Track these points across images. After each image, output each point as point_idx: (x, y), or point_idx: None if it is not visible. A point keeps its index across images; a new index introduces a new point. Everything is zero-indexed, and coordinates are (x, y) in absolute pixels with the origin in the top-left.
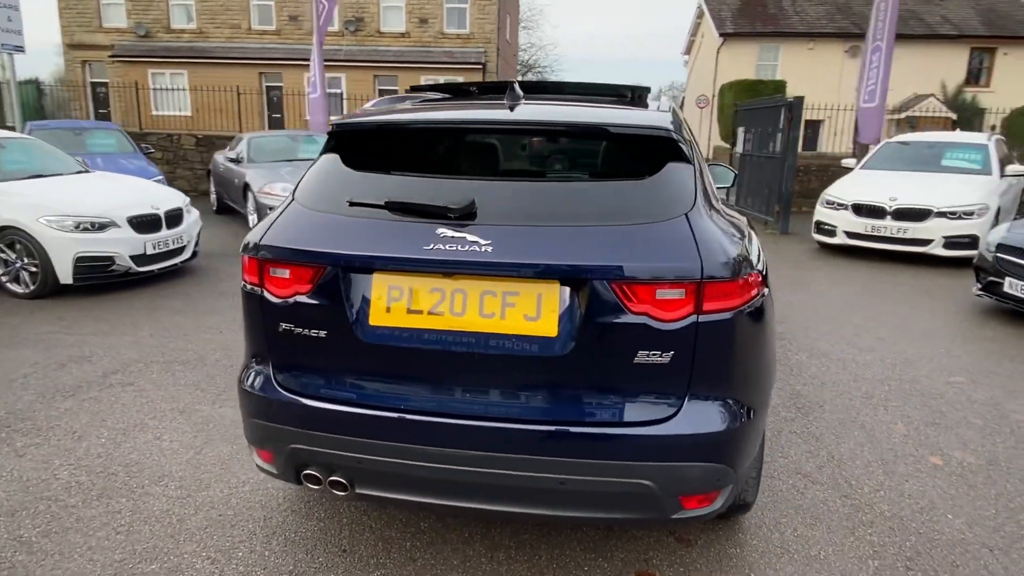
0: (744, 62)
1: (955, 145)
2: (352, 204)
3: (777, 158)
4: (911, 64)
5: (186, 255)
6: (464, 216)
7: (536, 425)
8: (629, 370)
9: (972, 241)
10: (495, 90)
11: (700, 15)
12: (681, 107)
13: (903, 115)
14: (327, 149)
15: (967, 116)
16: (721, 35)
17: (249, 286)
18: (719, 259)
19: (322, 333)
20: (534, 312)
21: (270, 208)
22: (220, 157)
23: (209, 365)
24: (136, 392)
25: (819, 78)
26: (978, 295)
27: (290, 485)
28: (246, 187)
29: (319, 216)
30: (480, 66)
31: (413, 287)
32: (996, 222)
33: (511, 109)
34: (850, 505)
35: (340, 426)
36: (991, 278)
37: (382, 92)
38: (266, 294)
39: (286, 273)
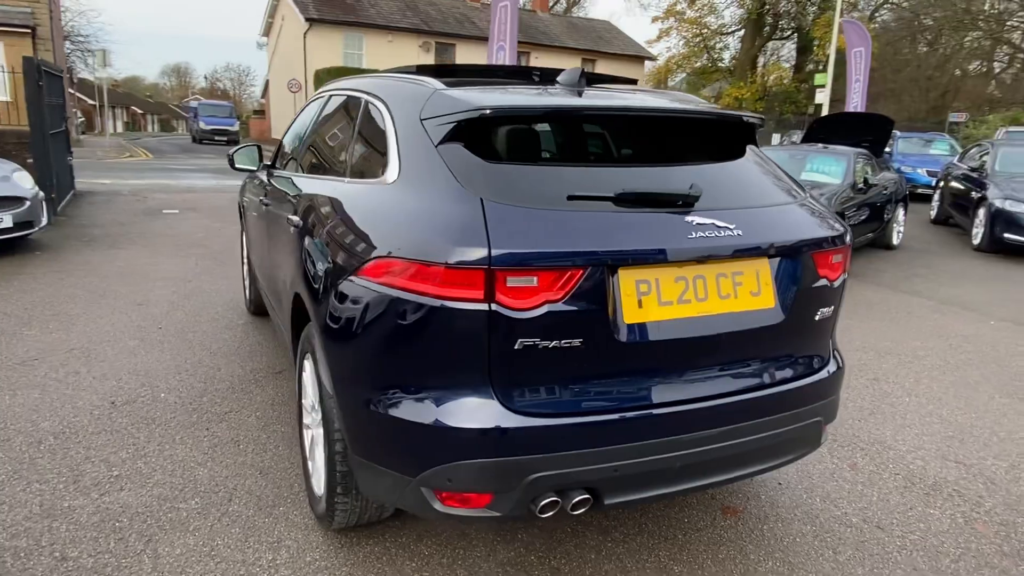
0: (331, 49)
1: None
2: (572, 198)
3: None
4: (472, 59)
5: None
6: (688, 203)
7: (766, 390)
8: (813, 327)
9: None
10: (519, 75)
11: None
12: (266, 90)
13: None
14: (452, 137)
15: None
16: (307, 20)
17: (460, 304)
18: (847, 228)
19: (576, 342)
20: (756, 288)
21: None
22: None
23: (23, 446)
24: None
25: None
26: None
27: (326, 536)
28: None
29: (540, 214)
30: (29, 30)
31: (659, 279)
32: None
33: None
34: None
35: (597, 438)
36: None
37: None
38: (498, 309)
39: (533, 281)
